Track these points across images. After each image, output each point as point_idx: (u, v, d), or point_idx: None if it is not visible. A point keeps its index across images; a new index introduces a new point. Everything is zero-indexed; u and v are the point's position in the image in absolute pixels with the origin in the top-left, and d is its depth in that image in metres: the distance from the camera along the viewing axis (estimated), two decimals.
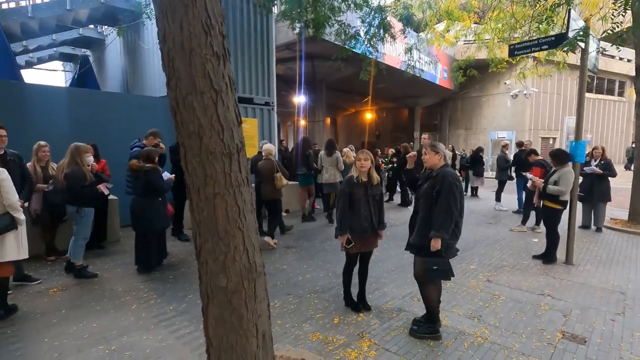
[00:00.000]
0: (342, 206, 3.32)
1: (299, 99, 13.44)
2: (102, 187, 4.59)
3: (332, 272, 4.65)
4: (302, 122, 15.40)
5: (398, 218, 8.07)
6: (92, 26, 10.62)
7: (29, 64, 12.32)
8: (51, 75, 13.77)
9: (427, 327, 3.09)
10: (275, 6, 8.36)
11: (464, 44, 16.01)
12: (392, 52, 12.90)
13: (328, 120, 23.80)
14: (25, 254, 3.38)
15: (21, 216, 3.26)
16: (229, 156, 1.68)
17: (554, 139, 20.69)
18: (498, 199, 9.12)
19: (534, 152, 7.21)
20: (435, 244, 2.83)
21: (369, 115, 25.45)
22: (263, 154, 5.96)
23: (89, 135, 5.65)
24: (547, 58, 10.34)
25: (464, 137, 22.13)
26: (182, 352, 2.84)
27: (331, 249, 5.67)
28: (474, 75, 10.53)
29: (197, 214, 1.72)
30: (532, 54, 6.06)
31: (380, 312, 3.53)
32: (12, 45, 7.12)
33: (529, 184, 5.80)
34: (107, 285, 4.15)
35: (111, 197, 5.69)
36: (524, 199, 8.41)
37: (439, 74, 17.91)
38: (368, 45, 7.84)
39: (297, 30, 8.38)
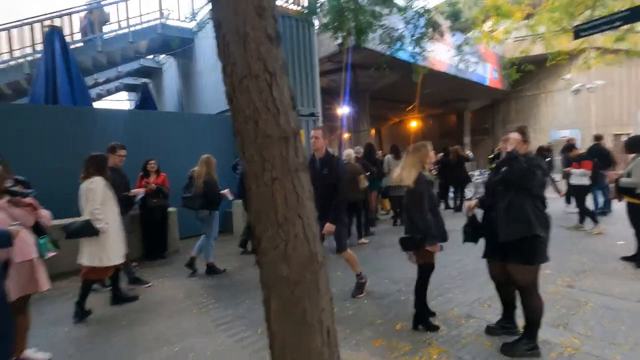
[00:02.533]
0: (426, 209, 2.93)
1: (343, 110, 13.44)
2: (227, 193, 4.92)
3: (388, 278, 4.43)
4: (345, 134, 15.35)
5: (454, 224, 7.60)
6: (150, 56, 11.57)
7: (100, 96, 13.68)
8: (119, 104, 15.12)
9: (526, 343, 2.62)
10: (317, 19, 8.52)
11: (515, 40, 15.15)
12: (439, 56, 12.52)
13: (373, 131, 23.59)
14: (108, 262, 3.53)
15: (101, 225, 3.41)
16: (285, 140, 1.63)
17: (628, 134, 18.58)
18: (568, 200, 8.26)
19: (573, 146, 7.03)
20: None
21: (414, 124, 24.82)
22: (344, 157, 6.01)
23: (151, 150, 6.05)
24: (613, 47, 9.39)
25: None
26: (240, 355, 2.80)
27: (386, 255, 5.43)
28: (530, 70, 9.83)
29: (256, 202, 1.67)
30: (595, 46, 5.49)
31: (447, 318, 3.24)
32: (85, 78, 7.93)
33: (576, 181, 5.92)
34: (169, 292, 4.30)
35: (170, 209, 5.98)
36: (599, 199, 7.55)
37: (488, 75, 17.05)
38: (415, 47, 7.64)
39: (340, 40, 8.45)
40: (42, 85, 6.19)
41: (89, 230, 3.37)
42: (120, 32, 8.67)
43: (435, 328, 3.03)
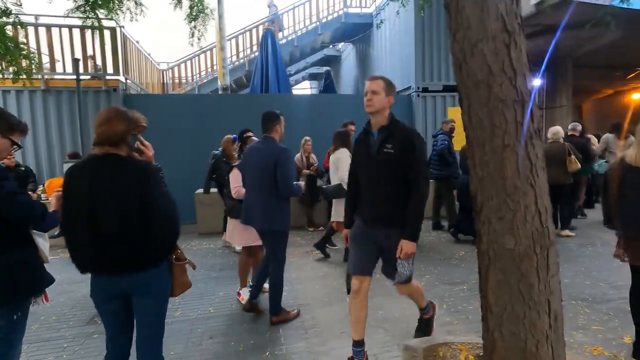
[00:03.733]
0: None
1: (534, 82, 11.41)
2: None
3: (603, 281, 3.65)
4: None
5: None
6: (331, 46, 12.69)
7: (291, 86, 16.06)
8: (305, 92, 17.20)
9: None
10: None
11: None
12: None
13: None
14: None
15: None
16: (521, 104, 1.52)
17: None
18: None
19: None
20: None
21: (637, 96, 18.84)
22: (549, 136, 5.37)
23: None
24: None
25: None
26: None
27: (596, 254, 4.46)
28: None
29: (480, 170, 1.64)
30: None
31: None
32: None
33: None
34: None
35: None
36: None
37: None
38: None
39: None
40: (258, 77, 7.70)
41: (340, 192, 4.13)
42: (310, 26, 9.82)
43: None
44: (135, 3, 5.25)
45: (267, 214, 2.86)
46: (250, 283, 3.40)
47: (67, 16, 5.59)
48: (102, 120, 1.64)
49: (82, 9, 4.94)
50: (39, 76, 5.86)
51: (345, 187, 3.96)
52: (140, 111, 6.84)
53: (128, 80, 6.84)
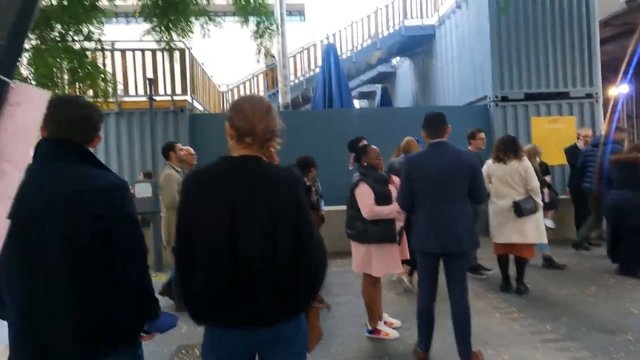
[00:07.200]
0: None
1: (620, 88, 10.19)
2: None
3: None
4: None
5: None
6: (385, 61, 12.32)
7: None
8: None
9: None
10: None
11: None
12: None
13: None
14: (544, 238, 3.79)
15: (539, 201, 3.66)
16: None
17: None
18: None
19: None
20: None
21: None
22: None
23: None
24: None
25: None
26: None
27: None
28: None
29: None
30: None
31: None
32: None
33: None
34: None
35: None
36: None
37: None
38: None
39: None
40: (321, 92, 7.42)
41: (536, 207, 3.58)
42: (368, 42, 9.53)
43: None
44: (207, 22, 5.28)
45: (460, 231, 2.36)
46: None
47: (140, 40, 5.78)
48: (265, 111, 1.21)
49: (157, 29, 5.02)
50: (113, 99, 5.95)
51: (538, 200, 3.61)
52: (205, 130, 6.91)
53: (194, 101, 6.83)
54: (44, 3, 4.23)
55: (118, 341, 1.19)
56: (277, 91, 8.84)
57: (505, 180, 3.66)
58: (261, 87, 9.77)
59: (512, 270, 3.84)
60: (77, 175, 1.13)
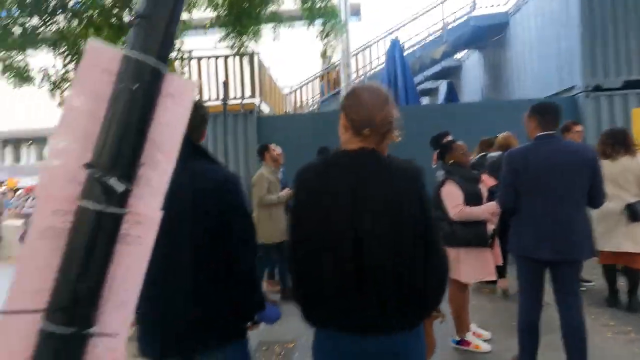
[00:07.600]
0: None
1: None
2: None
3: None
4: None
5: None
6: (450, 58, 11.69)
7: None
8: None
9: None
10: None
11: None
12: None
13: None
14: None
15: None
16: None
17: None
18: None
19: None
20: None
21: None
22: None
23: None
24: None
25: None
26: None
27: None
28: None
29: None
30: None
31: None
32: None
33: None
34: None
35: None
36: None
37: None
38: None
39: None
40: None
41: None
42: (434, 34, 9.10)
43: None
44: (276, 26, 5.46)
45: (580, 236, 2.11)
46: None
47: (215, 48, 6.15)
48: (384, 100, 1.15)
49: (231, 35, 5.30)
50: None
51: None
52: (272, 131, 7.09)
53: (262, 103, 7.05)
54: None
55: (232, 335, 1.20)
56: (339, 91, 8.81)
57: (614, 180, 3.18)
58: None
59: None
60: (202, 171, 1.17)
